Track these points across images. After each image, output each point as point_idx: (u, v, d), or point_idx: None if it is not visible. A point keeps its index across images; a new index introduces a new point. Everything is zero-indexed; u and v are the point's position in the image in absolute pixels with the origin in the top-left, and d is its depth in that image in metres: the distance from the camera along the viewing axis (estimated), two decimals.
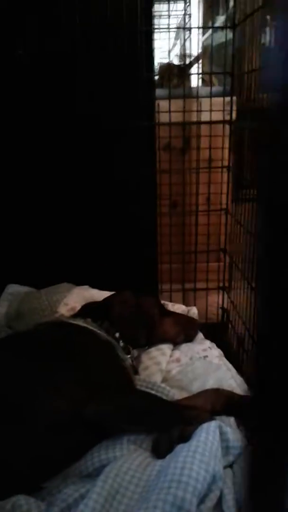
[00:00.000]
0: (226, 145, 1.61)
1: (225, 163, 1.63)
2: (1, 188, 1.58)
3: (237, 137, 1.57)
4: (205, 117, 1.56)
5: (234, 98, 1.58)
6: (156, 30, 1.52)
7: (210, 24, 1.93)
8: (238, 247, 1.47)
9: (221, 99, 1.57)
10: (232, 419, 0.92)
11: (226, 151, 1.62)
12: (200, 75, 1.93)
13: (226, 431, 0.83)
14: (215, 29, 1.74)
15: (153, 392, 1.02)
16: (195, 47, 2.73)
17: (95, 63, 1.44)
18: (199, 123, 1.56)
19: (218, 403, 0.95)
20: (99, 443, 0.87)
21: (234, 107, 1.57)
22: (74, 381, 0.88)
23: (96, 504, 0.69)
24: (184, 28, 2.73)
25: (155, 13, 1.63)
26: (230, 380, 1.09)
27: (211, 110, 1.54)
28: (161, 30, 1.60)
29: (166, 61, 2.16)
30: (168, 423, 0.87)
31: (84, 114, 1.48)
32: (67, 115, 1.49)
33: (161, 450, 0.84)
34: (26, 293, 1.50)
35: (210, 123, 1.56)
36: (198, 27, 2.34)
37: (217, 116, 1.58)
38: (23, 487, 0.77)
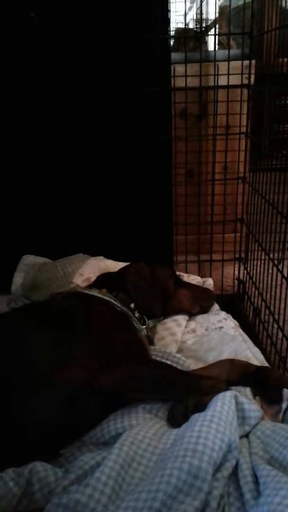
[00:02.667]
0: (244, 111, 1.55)
1: (243, 129, 1.57)
2: (17, 159, 1.56)
3: (256, 102, 1.51)
4: (222, 81, 1.50)
5: (253, 61, 1.51)
6: None
7: None
8: (256, 218, 1.44)
9: (239, 62, 1.51)
10: (248, 390, 0.91)
11: (244, 117, 1.56)
12: (217, 38, 1.85)
13: (242, 401, 0.82)
14: None
15: (168, 362, 1.02)
16: (212, 10, 2.62)
17: (109, 27, 1.39)
18: (216, 87, 1.50)
19: (233, 373, 0.95)
20: (115, 411, 0.87)
21: (253, 71, 1.50)
22: (90, 351, 0.88)
23: (112, 471, 0.69)
24: None
25: None
26: (246, 351, 1.08)
27: (228, 74, 1.48)
28: None
29: (182, 25, 2.08)
30: (184, 392, 0.87)
31: (98, 78, 1.44)
32: (80, 79, 1.45)
33: (176, 419, 0.84)
34: (41, 264, 1.50)
35: (228, 87, 1.51)
36: None
37: (235, 80, 1.52)
38: (40, 454, 0.78)
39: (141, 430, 0.79)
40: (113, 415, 0.86)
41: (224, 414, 0.75)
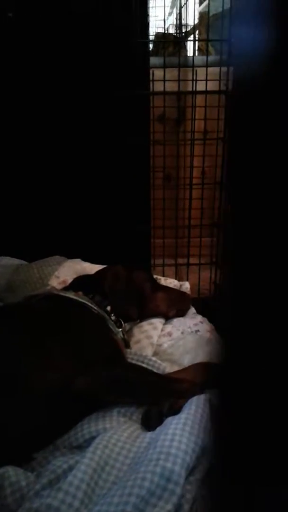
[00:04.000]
0: (222, 116, 1.57)
1: (221, 135, 1.59)
2: None
3: (233, 108, 1.52)
4: (200, 87, 1.51)
5: (231, 68, 1.53)
6: None
7: None
8: None
9: (217, 69, 1.52)
10: None
11: (222, 123, 1.58)
12: (196, 44, 1.87)
13: (216, 404, 0.83)
14: None
15: (144, 365, 1.02)
16: (191, 16, 2.64)
17: (87, 28, 1.39)
18: (194, 92, 1.51)
19: (208, 376, 0.95)
20: (89, 415, 0.87)
21: (231, 77, 1.52)
22: (65, 354, 0.87)
23: (85, 475, 0.69)
24: None
25: None
26: None
27: (207, 80, 1.50)
28: None
29: (161, 30, 2.09)
30: (159, 396, 0.87)
31: (76, 81, 1.43)
32: (58, 82, 1.44)
33: (151, 423, 0.84)
34: (17, 265, 1.48)
35: (206, 93, 1.52)
36: None
37: (213, 86, 1.54)
38: (12, 458, 0.77)
39: (114, 434, 0.79)
40: (87, 419, 0.85)
41: (198, 418, 0.76)
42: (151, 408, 0.86)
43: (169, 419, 0.78)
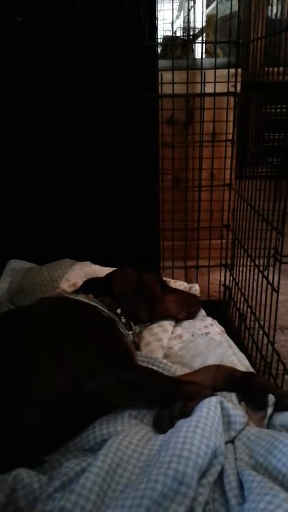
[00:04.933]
0: (231, 118, 1.57)
1: (229, 137, 1.59)
2: (2, 164, 1.55)
3: (242, 110, 1.52)
4: (209, 89, 1.52)
5: (239, 70, 1.53)
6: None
7: None
8: (242, 224, 1.45)
9: (225, 71, 1.53)
10: (233, 395, 0.92)
11: (231, 124, 1.58)
12: (204, 46, 1.87)
13: (227, 406, 0.82)
14: None
15: (154, 367, 1.02)
16: (199, 19, 2.65)
17: (96, 32, 1.40)
18: (203, 95, 1.51)
19: (219, 379, 0.95)
20: (100, 417, 0.87)
21: (239, 79, 1.52)
22: (75, 356, 0.88)
23: (98, 477, 0.69)
24: None
25: None
26: (232, 356, 1.09)
27: (215, 82, 1.50)
28: None
29: (169, 33, 2.10)
30: (170, 398, 0.87)
31: (85, 84, 1.44)
32: (67, 85, 1.45)
33: (162, 425, 0.84)
34: (28, 268, 1.49)
35: (214, 95, 1.52)
36: None
37: (221, 88, 1.54)
38: (25, 461, 0.77)
39: (126, 436, 0.79)
40: (99, 421, 0.86)
41: (210, 420, 0.76)
42: (162, 410, 0.86)
43: (181, 421, 0.78)
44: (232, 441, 0.81)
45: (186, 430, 0.73)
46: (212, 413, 0.77)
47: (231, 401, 0.89)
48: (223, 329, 1.26)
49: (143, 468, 0.73)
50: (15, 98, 1.47)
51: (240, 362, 1.07)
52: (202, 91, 1.51)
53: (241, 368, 1.03)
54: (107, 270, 1.36)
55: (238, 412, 0.83)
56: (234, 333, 1.40)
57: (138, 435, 0.80)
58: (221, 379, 0.95)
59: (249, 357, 1.16)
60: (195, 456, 0.68)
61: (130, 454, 0.76)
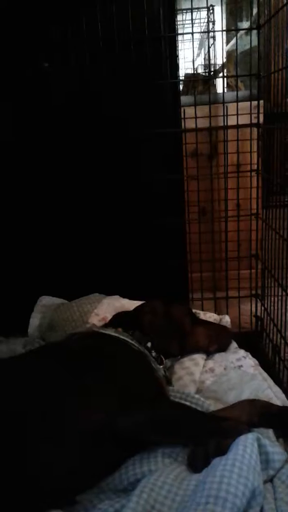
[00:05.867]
0: (254, 149, 1.58)
1: (254, 167, 1.60)
2: (32, 200, 1.60)
3: (266, 141, 1.53)
4: (231, 122, 1.54)
5: (261, 101, 1.55)
6: (179, 38, 1.52)
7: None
8: (271, 253, 1.43)
9: (247, 103, 1.55)
10: (270, 431, 0.88)
11: (255, 155, 1.59)
12: (226, 81, 1.91)
13: (264, 443, 0.79)
14: (239, 34, 1.72)
15: (187, 403, 1.00)
16: (219, 54, 2.72)
17: (120, 73, 1.45)
18: (226, 127, 1.54)
19: (255, 414, 0.92)
20: (133, 456, 0.85)
21: (261, 111, 1.54)
22: (106, 393, 0.86)
23: None
24: (208, 31, 2.73)
25: (179, 22, 1.63)
26: (267, 390, 1.05)
27: (237, 114, 1.52)
28: (184, 35, 1.59)
29: (191, 70, 2.17)
30: (204, 435, 0.85)
31: (111, 122, 1.49)
32: (94, 123, 1.50)
33: (197, 464, 0.81)
34: (58, 304, 1.50)
35: (238, 127, 1.54)
36: (223, 30, 2.33)
37: (243, 120, 1.56)
38: (56, 501, 0.75)
39: (160, 476, 0.76)
40: (132, 460, 0.83)
41: (247, 458, 0.72)
42: (197, 448, 0.84)
43: (216, 460, 0.75)
44: (271, 480, 0.77)
45: (223, 469, 0.70)
46: (249, 451, 0.74)
47: (268, 438, 0.85)
48: (256, 361, 1.22)
49: (179, 510, 0.70)
50: (41, 136, 1.53)
51: (276, 396, 1.03)
52: (225, 124, 1.54)
53: (277, 402, 1.00)
54: (136, 303, 1.36)
55: (276, 450, 0.79)
56: (268, 365, 1.35)
57: (173, 475, 0.78)
58: (257, 414, 0.92)
59: (285, 391, 1.12)
60: (233, 497, 0.65)
61: (165, 495, 0.73)
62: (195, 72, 2.56)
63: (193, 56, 1.62)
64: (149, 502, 0.71)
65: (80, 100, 1.50)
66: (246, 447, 0.75)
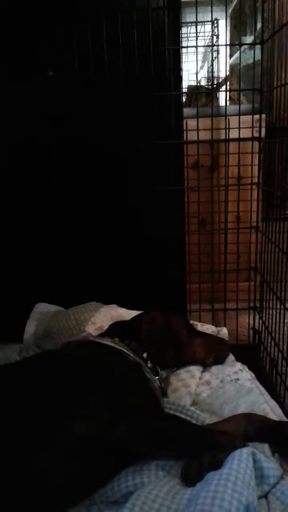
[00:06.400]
0: (256, 162, 1.59)
1: (255, 180, 1.60)
2: (28, 209, 1.60)
3: (267, 154, 1.54)
4: (233, 135, 1.55)
5: (263, 115, 1.56)
6: (184, 51, 1.53)
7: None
8: (270, 266, 1.43)
9: (249, 117, 1.56)
10: (266, 446, 0.87)
11: (256, 168, 1.59)
12: (228, 94, 1.92)
13: (259, 458, 0.78)
14: (243, 48, 1.74)
15: (182, 415, 0.99)
16: (222, 68, 2.74)
17: (124, 84, 1.46)
18: (227, 140, 1.54)
19: (250, 428, 0.91)
20: (126, 468, 0.83)
21: (263, 124, 1.55)
22: (101, 403, 0.85)
23: None
24: (212, 45, 2.75)
25: (183, 35, 1.64)
26: (263, 404, 1.04)
27: (239, 127, 1.53)
28: (188, 48, 1.60)
29: (194, 83, 2.18)
30: (198, 448, 0.83)
31: (114, 132, 1.50)
32: (96, 133, 1.51)
33: (191, 477, 0.80)
34: (54, 312, 1.49)
35: (239, 140, 1.55)
36: (227, 44, 2.35)
37: (245, 134, 1.57)
38: None
39: (153, 489, 0.75)
40: (125, 472, 0.82)
41: (241, 473, 0.71)
42: (191, 461, 0.82)
43: (210, 474, 0.74)
44: (265, 496, 0.76)
45: (216, 484, 0.69)
46: (243, 466, 0.73)
47: (263, 453, 0.84)
48: (253, 375, 1.22)
49: None
50: (43, 143, 1.54)
51: (272, 410, 1.02)
52: (227, 137, 1.54)
53: (274, 417, 0.99)
54: (133, 313, 1.35)
55: (271, 465, 0.78)
56: (265, 379, 1.34)
57: (166, 488, 0.76)
58: (253, 428, 0.91)
59: (281, 405, 1.11)
60: None
61: (157, 508, 0.72)
62: (198, 84, 2.58)
63: (197, 69, 1.63)
64: None
65: (82, 110, 1.50)
66: (241, 461, 0.74)
